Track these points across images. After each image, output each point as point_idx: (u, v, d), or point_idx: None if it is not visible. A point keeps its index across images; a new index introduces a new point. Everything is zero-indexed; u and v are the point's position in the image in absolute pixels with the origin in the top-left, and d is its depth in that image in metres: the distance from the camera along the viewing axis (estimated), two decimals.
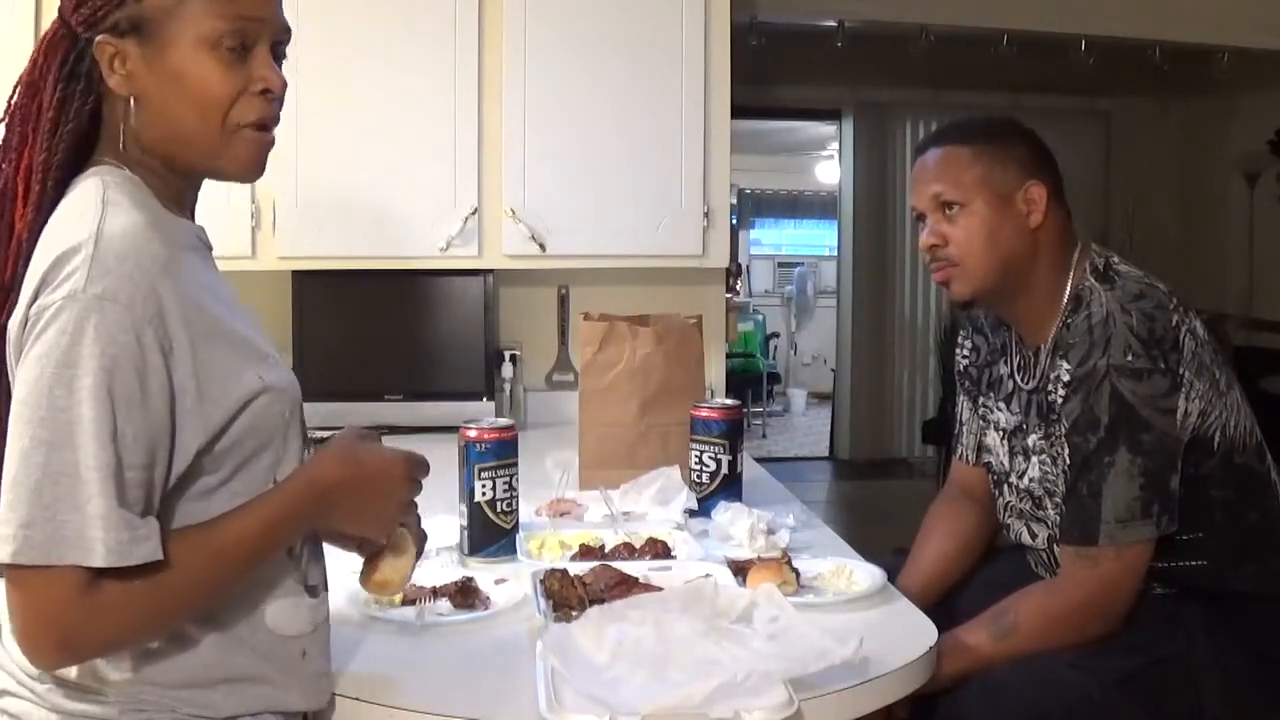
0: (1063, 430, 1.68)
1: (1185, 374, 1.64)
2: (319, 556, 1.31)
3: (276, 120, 1.24)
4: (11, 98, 1.20)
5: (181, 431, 1.12)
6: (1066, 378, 1.68)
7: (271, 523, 1.18)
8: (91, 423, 1.05)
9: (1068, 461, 1.68)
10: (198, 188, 1.27)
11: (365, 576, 1.34)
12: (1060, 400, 1.69)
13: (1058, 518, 1.74)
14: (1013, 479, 1.85)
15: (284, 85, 1.23)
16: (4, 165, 1.19)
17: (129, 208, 1.13)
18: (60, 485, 1.04)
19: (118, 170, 1.18)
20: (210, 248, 1.27)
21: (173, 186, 1.22)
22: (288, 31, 1.25)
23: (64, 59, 1.17)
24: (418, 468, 1.29)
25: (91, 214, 1.11)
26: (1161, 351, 1.63)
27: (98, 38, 1.16)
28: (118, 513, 1.05)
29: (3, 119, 1.21)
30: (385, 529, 1.29)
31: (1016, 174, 1.75)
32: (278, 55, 1.24)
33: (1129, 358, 1.62)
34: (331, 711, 1.31)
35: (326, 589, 1.32)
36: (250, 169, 1.24)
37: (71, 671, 1.14)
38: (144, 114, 1.17)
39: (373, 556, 1.33)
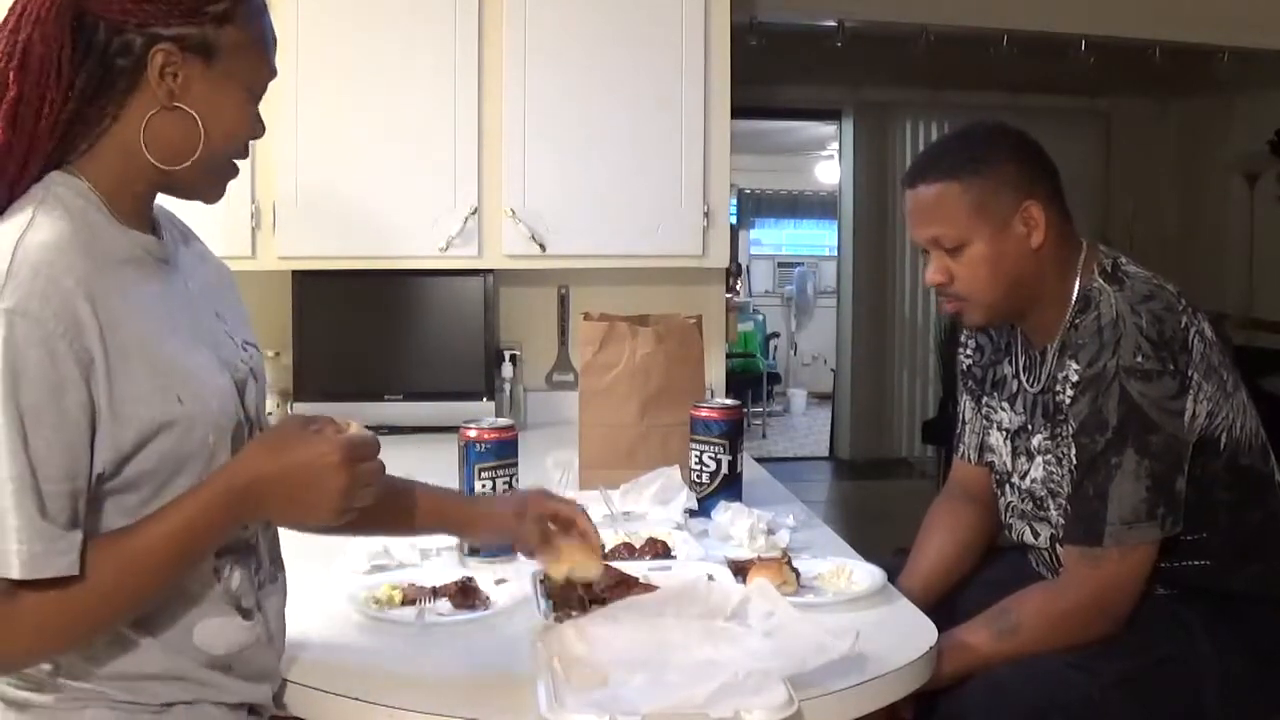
0: (1070, 430, 1.68)
1: (1194, 376, 1.64)
2: (252, 579, 1.28)
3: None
4: (16, 65, 1.13)
5: (95, 449, 1.10)
6: (1075, 378, 1.67)
7: (187, 527, 1.14)
8: (1, 437, 1.04)
9: (1074, 461, 1.68)
10: (154, 199, 1.27)
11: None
12: (1068, 400, 1.69)
13: (1061, 518, 1.74)
14: (1015, 479, 1.85)
15: (264, 132, 1.29)
16: (11, 141, 1.15)
17: (59, 219, 1.12)
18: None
19: (73, 179, 1.17)
20: (163, 261, 1.25)
21: (135, 198, 1.22)
22: None
23: (76, 41, 1.13)
24: (359, 448, 1.17)
25: (16, 228, 1.11)
26: (1171, 353, 1.63)
27: (158, 45, 1.15)
28: (36, 525, 1.05)
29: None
30: (326, 519, 1.18)
31: (1011, 197, 1.72)
32: None
33: (1139, 359, 1.62)
34: (283, 692, 1.34)
35: (262, 610, 1.30)
36: (218, 197, 1.28)
37: None
38: (178, 126, 1.18)
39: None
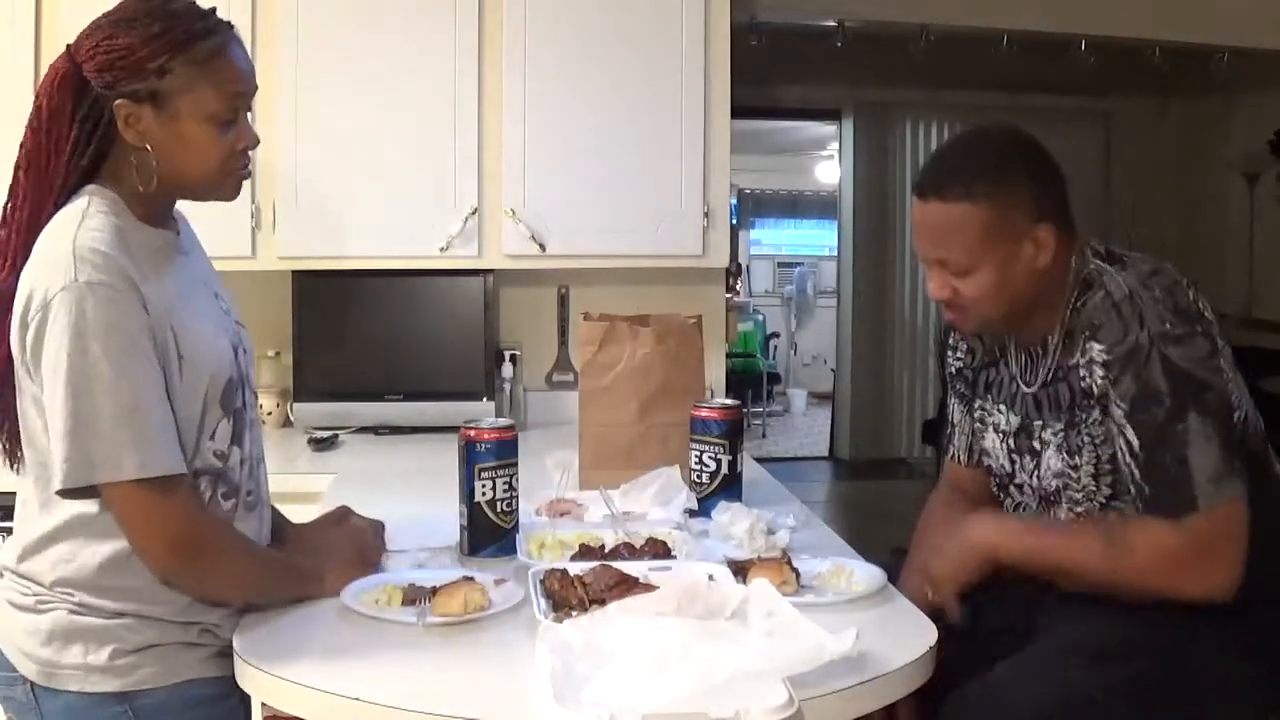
0: (1123, 412, 1.66)
1: (1218, 340, 1.66)
2: (220, 501, 1.53)
3: (249, 160, 1.56)
4: (34, 123, 1.47)
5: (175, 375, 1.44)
6: (1103, 358, 1.66)
7: (283, 563, 1.62)
8: (109, 377, 1.35)
9: (1137, 442, 1.65)
10: (174, 202, 1.57)
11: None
12: (1101, 381, 1.67)
13: (1071, 513, 1.73)
14: (1019, 478, 1.84)
15: (258, 140, 1.55)
16: (25, 182, 1.47)
17: (102, 221, 1.42)
18: (92, 425, 1.34)
19: (105, 193, 1.46)
20: (182, 251, 1.56)
21: (152, 206, 1.50)
22: (256, 88, 1.55)
23: (77, 100, 1.44)
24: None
25: (72, 227, 1.41)
26: (1191, 319, 1.64)
27: (117, 100, 1.43)
28: (148, 435, 1.36)
29: (24, 144, 1.48)
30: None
31: (1024, 221, 1.70)
32: (249, 108, 1.55)
33: (1168, 326, 1.62)
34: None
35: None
36: (232, 196, 1.57)
37: (20, 567, 1.46)
38: (149, 159, 1.46)
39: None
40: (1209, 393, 1.62)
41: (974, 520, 1.78)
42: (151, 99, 1.44)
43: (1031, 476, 1.81)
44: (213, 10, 1.50)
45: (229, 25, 1.51)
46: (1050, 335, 1.75)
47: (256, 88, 1.54)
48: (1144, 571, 1.62)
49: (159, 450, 1.38)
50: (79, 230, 1.40)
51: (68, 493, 1.38)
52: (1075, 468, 1.73)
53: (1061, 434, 1.75)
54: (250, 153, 1.54)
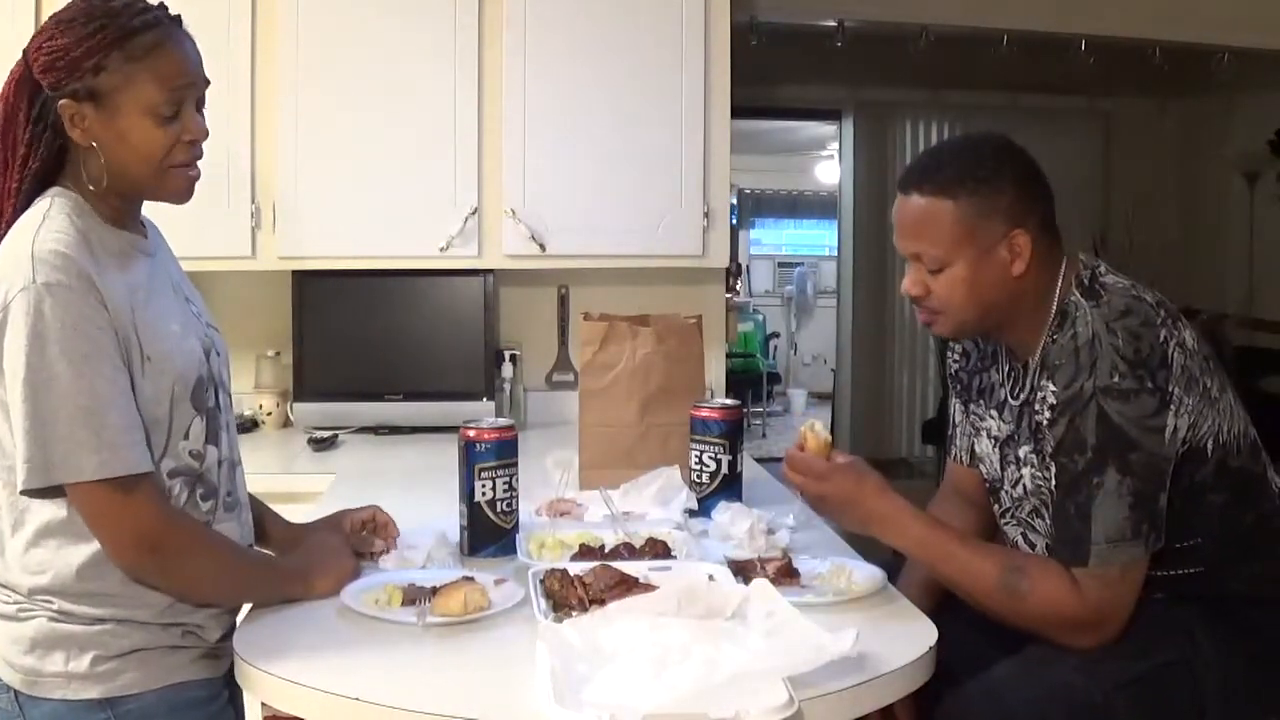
0: (1049, 450, 1.67)
1: (1174, 391, 1.62)
2: (199, 503, 1.52)
3: (200, 156, 1.52)
4: None
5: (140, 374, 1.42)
6: (1053, 400, 1.66)
7: (263, 562, 1.65)
8: (68, 377, 1.34)
9: (1054, 482, 1.67)
10: (139, 205, 1.56)
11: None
12: (1047, 422, 1.68)
13: (1052, 529, 1.74)
14: (1006, 486, 1.84)
15: (206, 133, 1.51)
16: None
17: (64, 223, 1.42)
18: (51, 425, 1.34)
19: (69, 194, 1.46)
20: (147, 254, 1.54)
21: (114, 208, 1.50)
22: (207, 83, 1.52)
23: (31, 103, 1.44)
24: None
25: (32, 229, 1.41)
26: (1149, 370, 1.61)
27: (61, 100, 1.43)
28: (105, 437, 1.36)
29: None
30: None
31: (1001, 225, 1.69)
32: (200, 103, 1.51)
33: (1115, 379, 1.60)
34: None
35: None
36: (182, 197, 1.53)
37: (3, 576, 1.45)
38: (97, 158, 1.45)
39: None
40: (1135, 453, 1.60)
41: (889, 495, 1.76)
42: (91, 97, 1.43)
43: (1015, 486, 1.81)
44: (158, 6, 1.49)
45: (174, 19, 1.49)
46: (1031, 359, 1.75)
47: (206, 81, 1.51)
48: (1033, 619, 1.64)
49: (119, 450, 1.37)
50: (39, 231, 1.40)
51: (30, 493, 1.38)
52: (1046, 490, 1.73)
53: (1034, 456, 1.75)
54: (201, 147, 1.51)
